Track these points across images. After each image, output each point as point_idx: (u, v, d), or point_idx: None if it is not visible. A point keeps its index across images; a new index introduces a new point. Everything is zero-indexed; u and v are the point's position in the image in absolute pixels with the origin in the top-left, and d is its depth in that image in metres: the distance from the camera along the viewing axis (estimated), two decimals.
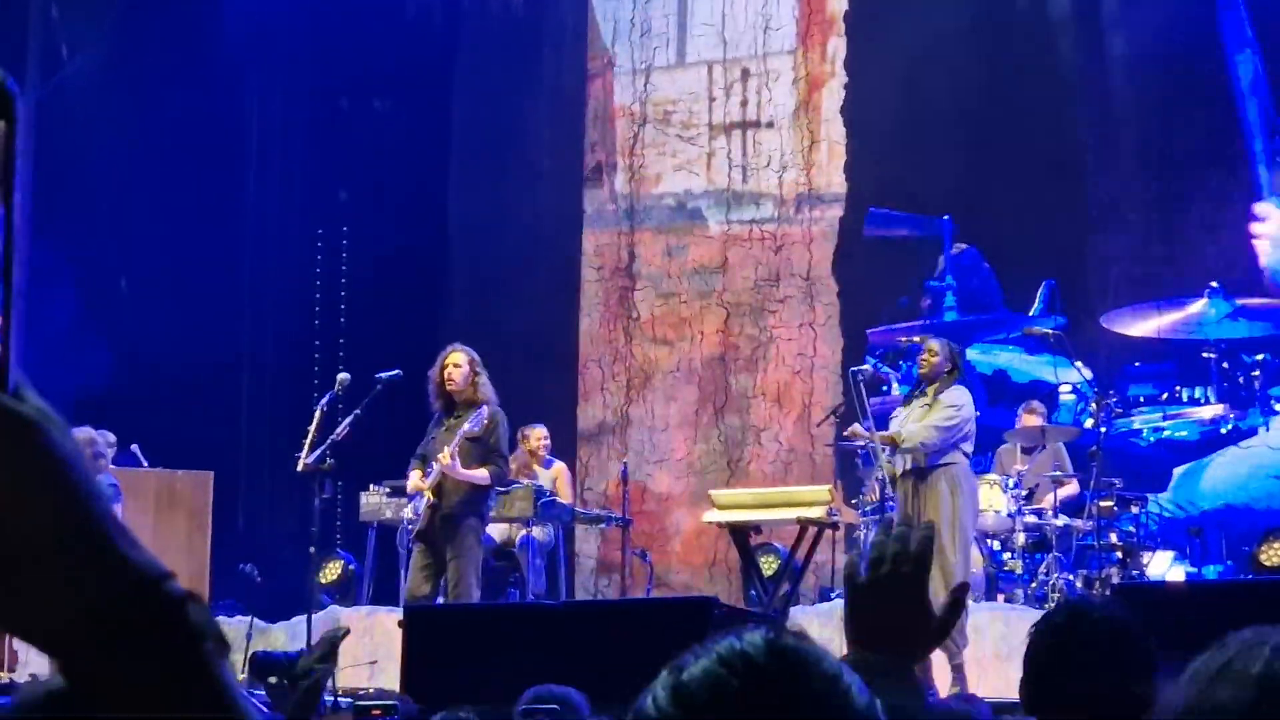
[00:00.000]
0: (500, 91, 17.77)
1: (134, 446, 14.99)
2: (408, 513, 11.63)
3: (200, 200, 16.76)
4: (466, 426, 11.21)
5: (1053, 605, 3.78)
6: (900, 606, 2.52)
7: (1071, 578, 12.38)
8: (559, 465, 14.28)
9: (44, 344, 13.98)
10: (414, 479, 11.53)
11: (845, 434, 11.53)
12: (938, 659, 10.55)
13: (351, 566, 14.66)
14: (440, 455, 11.21)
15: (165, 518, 14.04)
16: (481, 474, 11.33)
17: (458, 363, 11.42)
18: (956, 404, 10.93)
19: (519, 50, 17.86)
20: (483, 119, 17.83)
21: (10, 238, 1.02)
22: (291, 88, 18.10)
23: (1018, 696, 3.61)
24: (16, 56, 17.09)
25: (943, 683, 10.67)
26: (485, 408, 11.31)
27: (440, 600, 11.38)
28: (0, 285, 1.03)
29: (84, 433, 12.81)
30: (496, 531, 13.24)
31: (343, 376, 11.98)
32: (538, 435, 14.17)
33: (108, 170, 16.44)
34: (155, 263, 16.17)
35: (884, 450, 10.99)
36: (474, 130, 17.92)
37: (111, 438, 13.52)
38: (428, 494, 11.32)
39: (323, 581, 14.32)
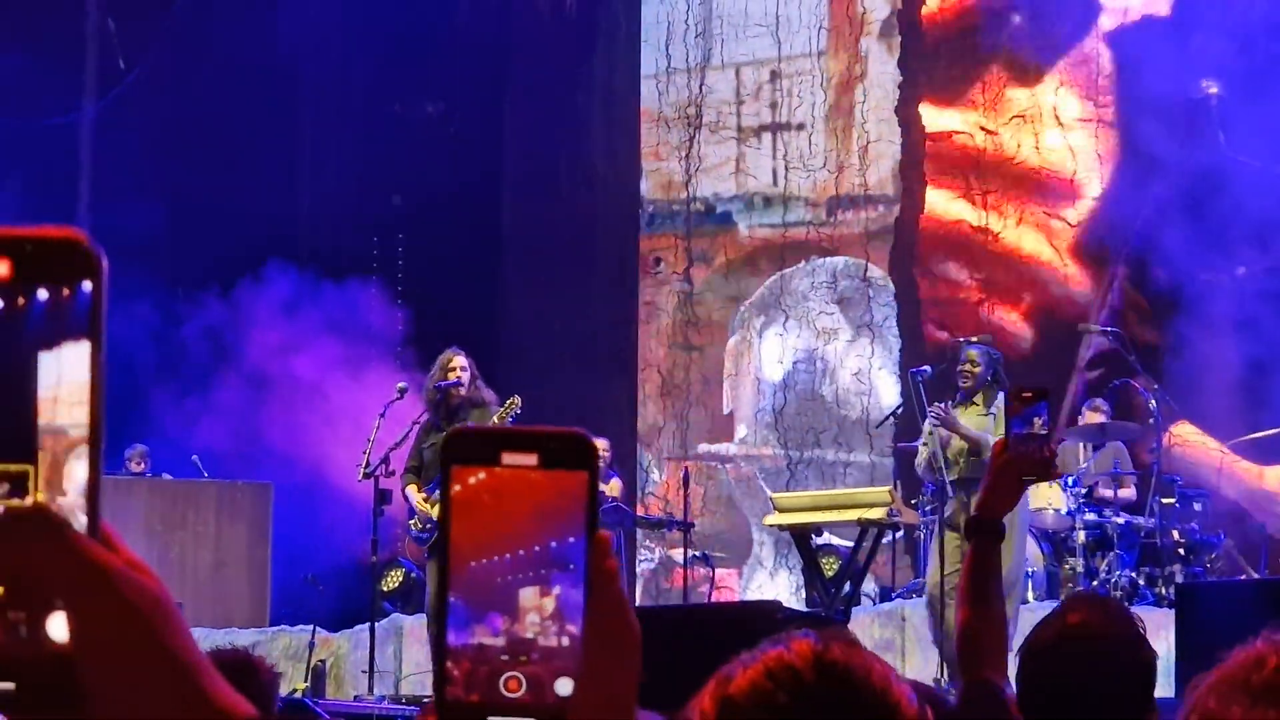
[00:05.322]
0: (553, 93, 17.76)
1: (194, 458, 15.04)
2: (415, 525, 11.44)
3: (255, 208, 16.80)
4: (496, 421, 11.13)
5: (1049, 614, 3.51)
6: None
7: (1134, 574, 12.29)
8: (614, 479, 14.14)
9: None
10: (421, 499, 11.32)
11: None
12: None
13: (413, 574, 14.66)
14: None
15: (226, 529, 14.08)
16: None
17: (463, 365, 11.36)
18: None
19: (571, 51, 17.84)
20: (536, 121, 17.83)
21: (100, 384, 1.01)
22: (344, 93, 18.14)
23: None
24: (75, 69, 17.19)
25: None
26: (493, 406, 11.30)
27: None
28: (89, 422, 1.02)
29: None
30: None
31: (401, 385, 11.99)
32: (600, 447, 14.15)
33: (164, 178, 16.51)
34: (210, 272, 16.20)
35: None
36: (527, 132, 17.91)
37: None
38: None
39: (384, 589, 14.34)
